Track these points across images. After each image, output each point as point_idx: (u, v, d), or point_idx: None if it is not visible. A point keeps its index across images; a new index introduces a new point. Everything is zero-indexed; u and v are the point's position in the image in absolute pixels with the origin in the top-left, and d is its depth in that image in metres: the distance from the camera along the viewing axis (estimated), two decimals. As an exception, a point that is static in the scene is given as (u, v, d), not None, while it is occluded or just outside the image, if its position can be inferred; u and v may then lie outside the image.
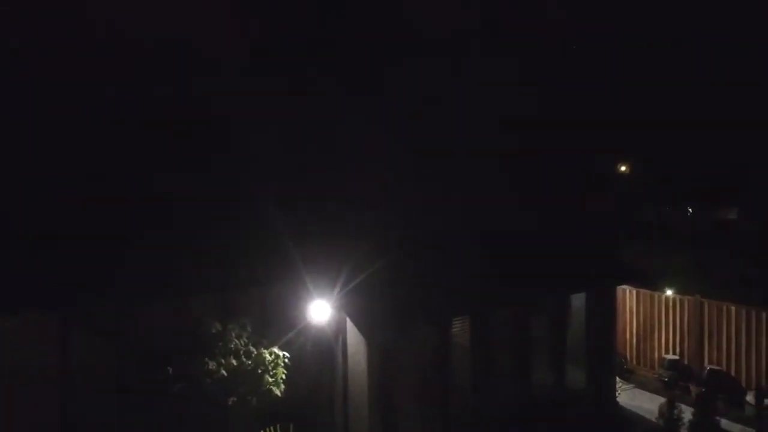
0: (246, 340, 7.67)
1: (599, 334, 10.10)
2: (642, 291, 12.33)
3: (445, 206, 9.43)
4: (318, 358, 8.64)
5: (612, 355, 10.55)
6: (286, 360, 7.81)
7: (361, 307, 7.76)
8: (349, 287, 7.92)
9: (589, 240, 10.61)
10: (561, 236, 10.06)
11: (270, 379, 7.41)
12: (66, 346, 7.47)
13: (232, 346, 7.48)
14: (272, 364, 7.56)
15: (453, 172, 9.88)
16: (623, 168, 28.86)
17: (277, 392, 7.45)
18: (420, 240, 8.81)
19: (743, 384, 10.47)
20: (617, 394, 10.82)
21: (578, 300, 10.02)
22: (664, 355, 11.68)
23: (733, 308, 10.78)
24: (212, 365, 7.15)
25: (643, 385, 11.51)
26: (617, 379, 11.53)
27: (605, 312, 10.20)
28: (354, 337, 8.11)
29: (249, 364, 7.42)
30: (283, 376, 7.59)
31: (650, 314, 12.10)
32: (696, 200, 25.28)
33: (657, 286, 11.90)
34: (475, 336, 8.69)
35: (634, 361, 12.36)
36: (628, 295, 12.53)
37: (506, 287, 8.67)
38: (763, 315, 10.29)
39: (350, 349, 8.22)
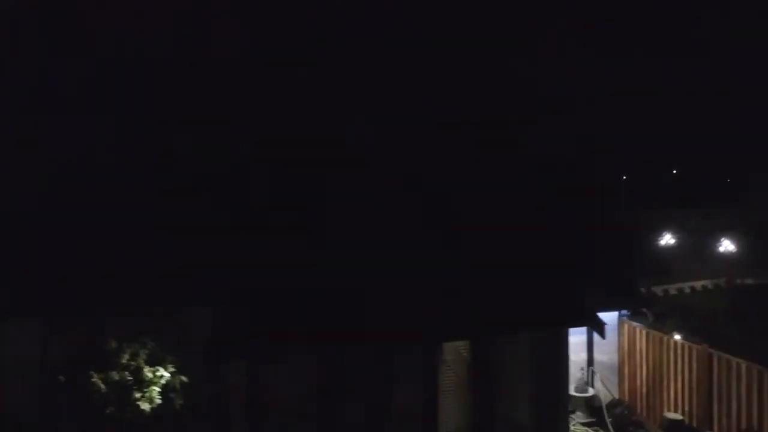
0: (142, 359, 8.34)
1: (543, 385, 8.66)
2: (651, 330, 10.29)
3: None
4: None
5: (560, 413, 8.89)
6: (182, 379, 8.32)
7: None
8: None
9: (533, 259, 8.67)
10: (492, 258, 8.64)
11: (137, 395, 7.96)
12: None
13: (124, 362, 8.22)
14: (149, 383, 8.11)
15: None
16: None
17: (146, 408, 7.96)
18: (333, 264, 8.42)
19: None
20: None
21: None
22: (665, 413, 9.59)
23: (743, 366, 8.44)
24: (95, 378, 7.96)
25: (639, 445, 9.64)
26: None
27: (550, 358, 8.71)
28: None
29: (129, 380, 8.07)
30: (156, 394, 8.07)
31: (659, 360, 10.02)
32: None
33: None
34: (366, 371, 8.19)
35: (645, 413, 10.34)
36: (637, 334, 10.53)
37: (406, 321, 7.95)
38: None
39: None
